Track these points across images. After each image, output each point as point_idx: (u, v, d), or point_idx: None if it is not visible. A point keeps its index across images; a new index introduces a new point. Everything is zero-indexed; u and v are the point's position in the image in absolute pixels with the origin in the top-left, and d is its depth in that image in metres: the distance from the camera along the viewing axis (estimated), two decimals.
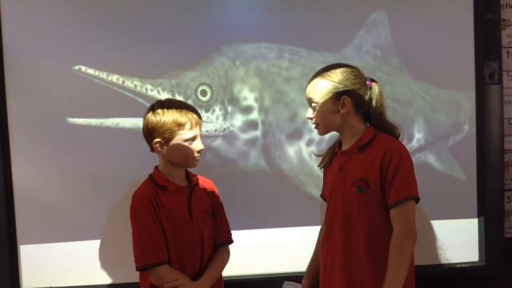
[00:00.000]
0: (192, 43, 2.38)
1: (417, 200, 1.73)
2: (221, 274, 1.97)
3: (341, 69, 1.79)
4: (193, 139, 1.85)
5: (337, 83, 1.77)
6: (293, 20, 2.42)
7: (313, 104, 1.79)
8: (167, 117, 1.84)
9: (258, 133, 2.43)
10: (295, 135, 2.45)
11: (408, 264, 1.69)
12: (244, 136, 2.42)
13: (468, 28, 2.52)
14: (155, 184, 1.87)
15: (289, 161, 2.45)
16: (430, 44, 2.49)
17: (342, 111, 1.76)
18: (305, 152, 2.45)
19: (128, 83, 2.33)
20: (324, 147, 2.39)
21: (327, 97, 1.76)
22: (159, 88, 2.35)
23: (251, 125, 2.42)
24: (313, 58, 2.43)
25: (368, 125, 1.81)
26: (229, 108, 2.40)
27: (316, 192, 2.43)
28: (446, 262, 2.51)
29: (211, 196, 1.96)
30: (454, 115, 2.54)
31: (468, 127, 2.55)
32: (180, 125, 1.83)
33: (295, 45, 2.43)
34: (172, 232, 1.84)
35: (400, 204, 1.69)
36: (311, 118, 1.81)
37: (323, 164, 1.90)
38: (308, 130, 2.44)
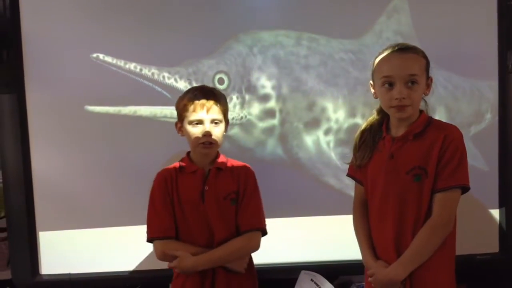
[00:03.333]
0: (210, 31, 2.36)
1: (466, 189, 1.69)
2: (251, 262, 1.97)
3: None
4: (197, 122, 1.86)
5: (428, 62, 1.70)
6: (312, 7, 2.38)
7: (414, 83, 1.66)
8: (180, 100, 1.92)
9: (275, 121, 2.41)
10: (313, 123, 2.42)
11: (431, 252, 1.66)
12: (262, 124, 2.41)
13: (491, 15, 2.46)
14: (179, 165, 1.92)
15: (306, 150, 2.43)
16: (452, 31, 2.44)
17: (427, 92, 1.71)
18: (323, 141, 2.43)
19: (146, 71, 2.33)
20: (343, 137, 2.40)
21: (424, 75, 1.68)
22: (176, 76, 2.35)
23: (268, 113, 2.40)
24: (332, 46, 2.40)
25: None
26: (247, 97, 2.39)
27: (334, 181, 2.43)
28: (466, 253, 2.47)
29: (239, 181, 1.94)
30: (476, 104, 2.49)
31: (490, 117, 2.50)
32: (185, 107, 1.88)
33: (314, 32, 2.39)
34: (182, 213, 1.88)
35: (448, 191, 1.65)
36: (404, 98, 1.65)
37: (364, 161, 1.79)
38: (326, 119, 2.42)
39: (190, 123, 1.87)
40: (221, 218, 1.89)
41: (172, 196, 1.89)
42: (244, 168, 1.97)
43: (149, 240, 1.92)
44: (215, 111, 1.87)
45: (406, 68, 1.66)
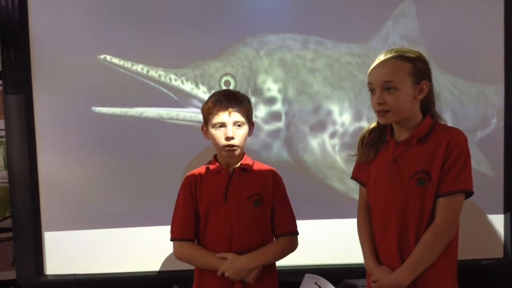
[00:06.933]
0: (217, 33, 2.37)
1: (470, 193, 1.70)
2: (273, 268, 1.99)
3: (415, 51, 1.73)
4: (220, 125, 1.89)
5: (418, 65, 1.70)
6: (319, 11, 2.39)
7: (390, 88, 1.67)
8: (204, 104, 1.96)
9: (281, 124, 2.42)
10: (319, 127, 2.43)
11: (435, 257, 1.66)
12: (267, 127, 2.41)
13: (498, 20, 2.46)
14: (206, 167, 1.96)
15: (312, 153, 2.43)
16: (459, 36, 2.44)
17: (419, 97, 1.70)
18: (328, 144, 2.43)
19: (152, 73, 2.34)
20: (348, 140, 2.41)
21: (408, 80, 1.67)
22: (183, 78, 2.35)
23: (274, 116, 2.41)
24: (339, 50, 2.40)
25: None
26: (253, 99, 2.38)
27: (339, 185, 2.43)
28: (470, 257, 2.47)
29: (265, 184, 1.95)
30: (482, 109, 2.49)
31: (496, 121, 2.50)
32: (209, 110, 1.91)
33: (321, 36, 2.40)
34: (206, 213, 1.91)
35: (451, 195, 1.65)
36: (382, 104, 1.67)
37: (370, 158, 1.80)
38: (331, 122, 2.42)
39: (214, 126, 1.89)
40: (243, 218, 1.90)
41: (196, 197, 1.92)
42: (271, 172, 1.99)
43: (171, 239, 1.97)
44: (237, 114, 1.89)
45: (382, 74, 1.69)
